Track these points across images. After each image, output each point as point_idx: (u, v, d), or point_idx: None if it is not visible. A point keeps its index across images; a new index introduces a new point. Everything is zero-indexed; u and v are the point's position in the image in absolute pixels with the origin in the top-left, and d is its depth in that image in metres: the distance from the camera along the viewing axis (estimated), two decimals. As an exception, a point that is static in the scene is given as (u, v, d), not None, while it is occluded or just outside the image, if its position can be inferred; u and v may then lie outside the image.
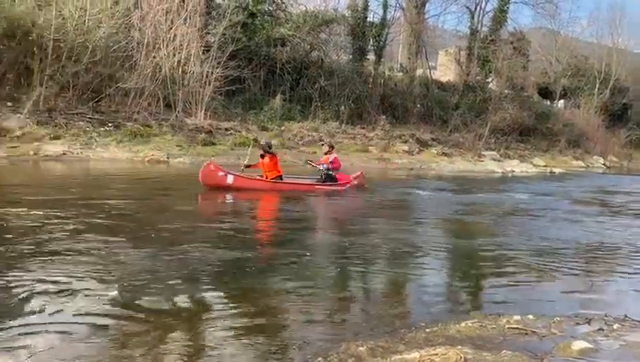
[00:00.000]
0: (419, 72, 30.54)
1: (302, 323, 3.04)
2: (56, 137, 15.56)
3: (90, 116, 17.34)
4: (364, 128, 24.51)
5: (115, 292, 3.29)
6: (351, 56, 27.23)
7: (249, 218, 7.81)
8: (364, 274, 4.39)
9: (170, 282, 3.63)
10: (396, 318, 3.22)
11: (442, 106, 29.87)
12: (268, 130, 20.96)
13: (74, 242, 4.70)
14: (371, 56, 28.33)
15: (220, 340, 2.70)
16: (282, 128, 21.54)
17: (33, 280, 3.46)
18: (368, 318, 3.22)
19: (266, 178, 10.06)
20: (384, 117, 25.62)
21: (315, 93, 24.30)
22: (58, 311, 2.95)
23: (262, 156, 10.22)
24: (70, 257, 4.15)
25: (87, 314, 2.93)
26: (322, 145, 13.23)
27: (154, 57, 18.91)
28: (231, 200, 9.03)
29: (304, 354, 2.55)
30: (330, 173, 10.81)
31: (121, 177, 11.50)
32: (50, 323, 2.80)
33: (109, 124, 17.39)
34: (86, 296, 3.23)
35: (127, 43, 18.47)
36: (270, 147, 10.37)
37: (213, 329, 2.84)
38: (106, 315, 2.94)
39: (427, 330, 2.89)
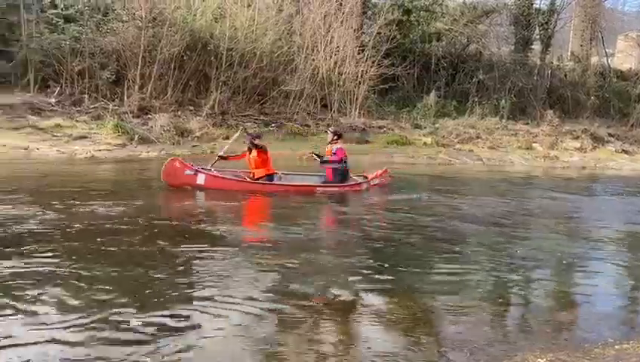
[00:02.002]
0: (594, 60, 27.31)
1: (467, 325, 2.90)
2: (228, 137, 17.19)
3: (257, 117, 18.89)
4: (527, 124, 22.71)
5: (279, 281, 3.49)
6: (513, 47, 25.45)
7: (397, 215, 7.72)
8: (530, 282, 4.03)
9: (331, 274, 3.74)
10: (575, 330, 2.88)
11: (622, 98, 26.35)
12: (421, 128, 20.60)
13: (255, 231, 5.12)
14: (536, 46, 26.10)
15: (381, 336, 2.69)
16: (436, 125, 20.96)
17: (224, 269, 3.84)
18: (541, 328, 2.94)
19: (253, 176, 8.44)
20: (551, 111, 23.38)
21: (472, 87, 23.23)
22: (237, 296, 3.21)
23: (249, 149, 8.60)
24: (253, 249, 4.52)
25: (262, 300, 3.15)
26: (326, 132, 10.68)
27: (312, 60, 19.82)
28: None
29: (476, 359, 2.41)
30: (336, 166, 8.68)
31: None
32: (229, 305, 3.06)
33: (272, 125, 18.73)
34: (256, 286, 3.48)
35: (288, 48, 19.67)
36: (260, 138, 8.66)
37: (372, 324, 2.85)
38: (272, 300, 3.13)
39: (617, 347, 2.53)
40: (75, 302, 2.85)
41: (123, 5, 17.28)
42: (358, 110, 20.14)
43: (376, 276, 3.84)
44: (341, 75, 20.22)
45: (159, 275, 3.50)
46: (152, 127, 16.34)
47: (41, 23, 16.68)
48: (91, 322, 2.62)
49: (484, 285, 3.71)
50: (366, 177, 9.28)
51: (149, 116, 16.89)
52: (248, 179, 8.36)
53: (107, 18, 17.30)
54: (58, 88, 16.77)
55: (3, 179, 8.59)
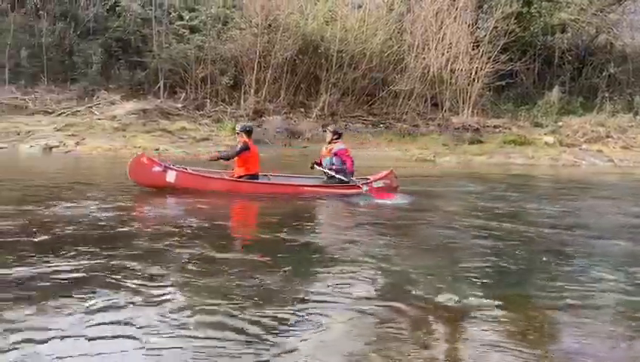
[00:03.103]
0: None
1: (597, 343, 2.62)
2: (337, 138, 17.48)
3: (365, 118, 18.95)
4: (667, 121, 20.14)
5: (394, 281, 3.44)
6: (650, 37, 22.72)
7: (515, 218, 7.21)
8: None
9: (438, 278, 3.61)
10: None
11: None
12: (542, 127, 19.20)
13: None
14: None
15: (503, 347, 2.52)
16: (559, 124, 19.38)
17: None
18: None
19: (233, 175, 7.51)
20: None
21: (601, 82, 21.18)
22: (351, 293, 3.22)
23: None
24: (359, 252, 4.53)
25: (373, 299, 3.13)
26: (324, 131, 9.14)
27: (423, 58, 19.39)
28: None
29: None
30: (332, 170, 7.64)
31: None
32: (341, 302, 3.08)
33: (381, 125, 18.66)
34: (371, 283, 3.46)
35: (398, 47, 19.45)
36: (246, 133, 7.43)
37: (492, 333, 2.68)
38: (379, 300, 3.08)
39: None
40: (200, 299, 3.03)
41: (241, 14, 18.25)
42: (471, 109, 19.32)
43: (491, 282, 3.63)
44: (453, 72, 19.53)
45: (273, 272, 3.61)
46: (266, 128, 17.11)
47: (170, 35, 18.20)
48: (211, 319, 2.75)
49: (614, 300, 3.33)
50: (367, 179, 8.02)
51: (263, 119, 17.69)
52: (226, 177, 7.40)
53: (227, 27, 18.41)
54: (184, 94, 18.22)
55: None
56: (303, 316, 2.86)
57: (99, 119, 16.60)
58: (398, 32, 19.80)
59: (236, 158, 7.26)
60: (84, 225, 4.85)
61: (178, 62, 17.91)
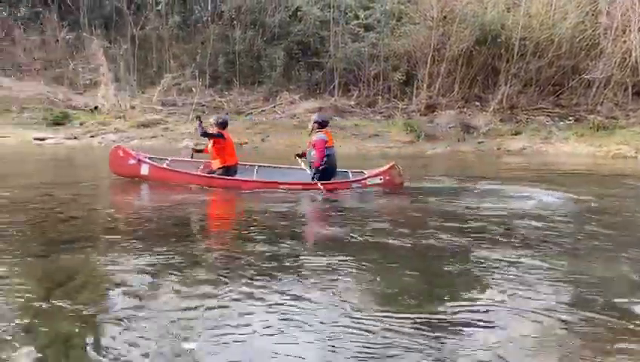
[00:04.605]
0: None
1: None
2: (517, 133, 16.18)
3: (550, 110, 17.21)
4: None
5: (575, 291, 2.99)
6: None
7: None
8: None
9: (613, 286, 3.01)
10: None
11: None
12: None
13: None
14: None
15: None
16: None
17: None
18: None
19: (210, 167, 7.28)
20: None
21: None
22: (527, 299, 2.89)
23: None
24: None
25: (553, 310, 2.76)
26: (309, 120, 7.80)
27: (624, 42, 16.87)
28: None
29: None
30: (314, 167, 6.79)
31: (576, 173, 10.75)
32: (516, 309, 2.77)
33: (569, 118, 16.77)
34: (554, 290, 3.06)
35: (593, 31, 17.23)
36: (221, 124, 7.15)
37: None
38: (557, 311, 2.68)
39: None
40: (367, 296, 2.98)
41: (416, 8, 18.00)
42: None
43: None
44: (662, 56, 16.61)
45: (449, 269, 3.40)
46: (437, 124, 16.64)
47: (346, 34, 18.80)
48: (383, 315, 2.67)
49: None
50: (362, 173, 7.31)
51: (435, 114, 17.23)
52: (198, 171, 7.31)
53: (400, 22, 18.34)
54: (357, 92, 18.68)
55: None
56: (486, 320, 2.62)
57: (281, 118, 17.96)
58: (593, 14, 17.53)
59: (212, 150, 7.14)
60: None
61: (352, 60, 18.42)
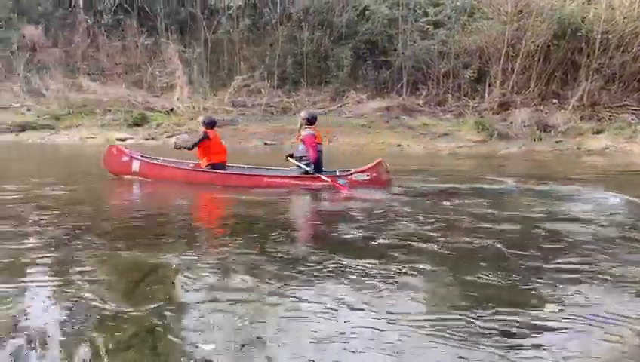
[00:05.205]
0: None
1: None
2: (599, 131, 15.25)
3: (636, 108, 16.09)
4: None
5: None
6: None
7: None
8: None
9: None
10: None
11: None
12: None
13: None
14: None
15: None
16: None
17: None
18: None
19: (199, 166, 7.35)
20: None
21: None
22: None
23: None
24: None
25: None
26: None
27: None
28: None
29: None
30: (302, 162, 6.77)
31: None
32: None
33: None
34: None
35: (685, 20, 15.94)
36: (208, 124, 7.20)
37: None
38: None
39: None
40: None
41: (489, 3, 17.41)
42: None
43: None
44: None
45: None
46: (511, 122, 16.00)
47: (414, 32, 18.50)
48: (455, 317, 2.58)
49: None
50: (349, 170, 7.05)
51: (509, 112, 16.58)
52: (186, 167, 7.38)
53: (472, 18, 17.81)
54: (425, 90, 18.35)
55: (404, 168, 9.66)
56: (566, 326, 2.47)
57: (347, 117, 17.97)
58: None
59: (198, 150, 7.15)
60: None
61: (421, 58, 18.11)
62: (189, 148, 7.14)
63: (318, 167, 6.85)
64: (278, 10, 19.88)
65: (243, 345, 2.17)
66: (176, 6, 20.66)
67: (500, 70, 16.89)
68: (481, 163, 12.27)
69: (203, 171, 7.08)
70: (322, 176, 6.74)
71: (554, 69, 16.93)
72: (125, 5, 20.52)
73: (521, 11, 16.56)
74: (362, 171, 6.92)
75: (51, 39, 20.82)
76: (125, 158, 7.21)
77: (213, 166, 7.10)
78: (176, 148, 7.31)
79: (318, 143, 6.86)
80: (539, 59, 16.68)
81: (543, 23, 16.21)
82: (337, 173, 7.03)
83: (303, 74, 19.60)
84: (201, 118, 7.56)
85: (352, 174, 6.91)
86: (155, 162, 7.38)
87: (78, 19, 20.47)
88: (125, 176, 7.23)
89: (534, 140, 15.15)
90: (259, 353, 2.13)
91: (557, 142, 15.07)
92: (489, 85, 17.30)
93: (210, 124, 7.19)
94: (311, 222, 5.14)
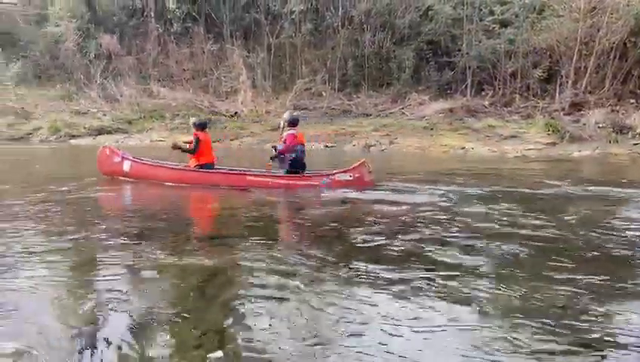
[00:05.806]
0: None
1: None
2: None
3: None
4: None
5: None
6: None
7: None
8: None
9: None
10: None
11: None
12: None
13: None
14: None
15: None
16: None
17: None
18: None
19: (188, 166, 7.44)
20: None
21: None
22: None
23: None
24: None
25: None
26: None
27: None
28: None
29: None
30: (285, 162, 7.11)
31: None
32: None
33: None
34: None
35: None
36: (200, 126, 7.40)
37: None
38: None
39: None
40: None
41: (560, 0, 16.68)
42: None
43: None
44: None
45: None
46: (584, 124, 15.25)
47: (479, 32, 18.04)
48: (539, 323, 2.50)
49: None
50: (331, 172, 7.18)
51: (582, 112, 15.82)
52: (175, 167, 7.46)
53: (542, 16, 17.15)
54: (491, 91, 17.85)
55: (466, 171, 9.53)
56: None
57: (409, 119, 17.78)
58: None
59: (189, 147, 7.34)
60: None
61: (486, 58, 17.64)
62: (191, 153, 7.25)
63: (299, 164, 7.11)
64: (340, 14, 20.00)
65: (309, 346, 2.23)
66: (240, 12, 21.26)
67: (572, 69, 16.16)
68: (553, 166, 11.76)
69: (192, 171, 7.19)
70: (324, 178, 6.98)
71: (631, 68, 15.99)
72: (193, 13, 21.35)
73: (594, 8, 15.77)
74: (345, 171, 7.10)
75: (125, 48, 22.01)
76: (117, 159, 7.35)
77: (202, 166, 7.23)
78: (173, 149, 7.46)
79: (300, 143, 7.10)
80: (614, 57, 15.81)
81: (618, 19, 15.35)
82: (323, 173, 7.21)
83: (364, 76, 19.61)
84: (192, 120, 7.97)
85: (334, 174, 7.08)
86: (145, 163, 7.49)
87: (150, 28, 21.51)
88: (119, 177, 7.36)
89: (609, 142, 14.36)
90: (323, 354, 2.18)
91: (634, 144, 14.20)
92: (560, 85, 16.58)
93: (202, 126, 7.41)
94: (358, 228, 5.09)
